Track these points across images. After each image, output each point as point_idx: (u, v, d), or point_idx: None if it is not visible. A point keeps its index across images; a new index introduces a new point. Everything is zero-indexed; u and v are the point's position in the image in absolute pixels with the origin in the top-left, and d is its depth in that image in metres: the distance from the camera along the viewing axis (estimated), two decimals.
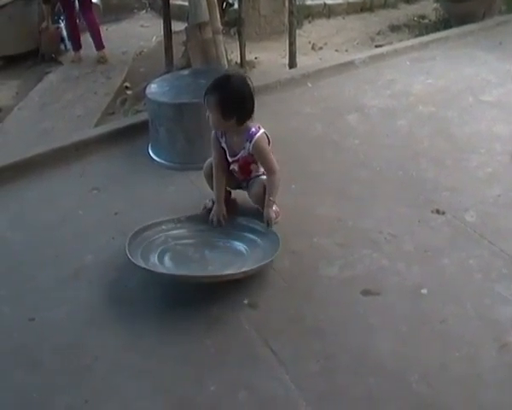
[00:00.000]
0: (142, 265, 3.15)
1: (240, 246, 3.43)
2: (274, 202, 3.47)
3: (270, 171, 3.47)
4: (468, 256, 3.30)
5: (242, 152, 3.49)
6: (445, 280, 3.17)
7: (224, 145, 3.55)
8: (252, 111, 3.44)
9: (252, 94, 3.42)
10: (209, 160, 3.68)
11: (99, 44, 7.89)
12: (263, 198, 3.48)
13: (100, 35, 7.89)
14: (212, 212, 3.57)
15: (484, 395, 2.54)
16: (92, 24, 7.88)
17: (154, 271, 3.18)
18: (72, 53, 8.09)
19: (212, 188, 3.68)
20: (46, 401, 2.69)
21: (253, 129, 3.44)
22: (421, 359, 2.71)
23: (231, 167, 3.58)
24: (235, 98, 3.35)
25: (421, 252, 3.36)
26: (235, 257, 3.35)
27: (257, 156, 3.49)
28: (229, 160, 3.56)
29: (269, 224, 3.42)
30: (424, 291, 3.09)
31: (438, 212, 3.67)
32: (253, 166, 3.58)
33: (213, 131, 3.55)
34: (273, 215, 3.45)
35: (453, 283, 3.15)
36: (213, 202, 3.64)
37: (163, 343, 2.90)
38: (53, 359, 2.88)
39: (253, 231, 3.49)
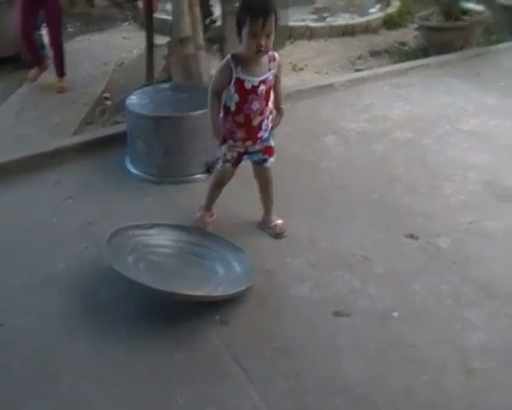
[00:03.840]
0: (129, 275, 3.11)
1: (216, 264, 3.43)
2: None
3: (280, 87, 3.59)
4: (439, 282, 3.33)
5: (269, 74, 3.40)
6: (415, 304, 3.19)
7: (239, 75, 3.34)
8: None
9: None
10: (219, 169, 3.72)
11: (59, 70, 6.74)
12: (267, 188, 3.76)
13: (63, 58, 6.75)
14: (215, 134, 3.56)
15: None
16: (55, 43, 6.70)
17: (140, 283, 3.09)
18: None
19: (208, 202, 3.80)
20: (14, 407, 2.66)
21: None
22: (389, 382, 2.72)
23: (259, 89, 3.38)
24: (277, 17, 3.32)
25: (393, 276, 3.39)
26: (210, 274, 3.36)
27: (278, 75, 3.49)
28: (256, 83, 3.36)
29: (276, 126, 3.63)
30: (395, 314, 3.11)
31: (411, 237, 3.71)
32: (271, 94, 3.50)
33: (227, 60, 3.38)
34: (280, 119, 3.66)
35: (423, 307, 3.18)
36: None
37: (132, 355, 2.88)
38: (21, 365, 2.86)
39: (230, 251, 3.50)
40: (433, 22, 7.44)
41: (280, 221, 3.73)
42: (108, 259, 3.15)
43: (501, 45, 7.50)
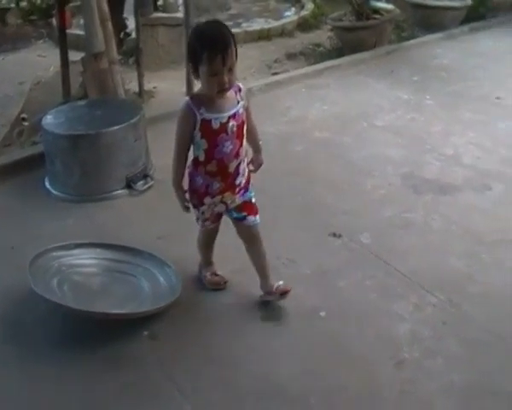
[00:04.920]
0: (52, 298, 3.05)
1: (141, 279, 3.40)
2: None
3: (253, 122, 3.13)
4: (364, 277, 3.40)
5: (238, 106, 2.92)
6: (342, 302, 3.24)
7: (205, 115, 2.84)
8: None
9: None
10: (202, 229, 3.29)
11: None
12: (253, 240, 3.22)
13: None
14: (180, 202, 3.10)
15: None
16: None
17: (62, 305, 3.07)
18: None
19: (205, 258, 3.43)
20: None
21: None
22: (322, 380, 2.76)
23: (229, 125, 2.88)
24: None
25: (319, 275, 3.44)
26: (136, 290, 3.32)
27: (248, 106, 3.02)
28: (224, 119, 2.86)
29: (259, 166, 3.22)
30: (322, 314, 3.15)
31: (334, 235, 3.77)
32: (244, 129, 3.00)
33: (187, 103, 2.88)
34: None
35: (350, 304, 3.23)
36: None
37: (62, 379, 2.83)
38: None
39: (155, 265, 3.47)
40: (346, 22, 7.58)
41: (281, 282, 3.20)
42: (31, 283, 3.07)
43: (412, 41, 7.71)
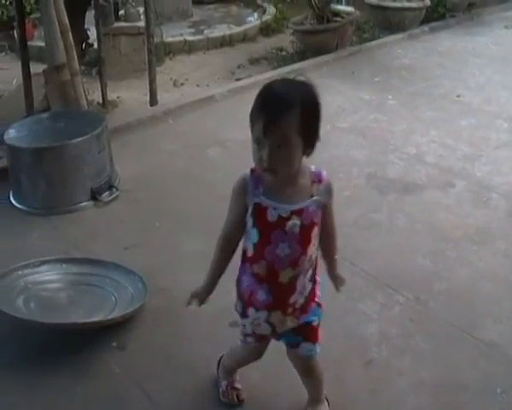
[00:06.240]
0: (16, 314, 3.02)
1: (108, 289, 3.39)
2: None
3: (334, 229, 2.37)
4: None
5: (310, 202, 2.16)
6: None
7: (261, 200, 2.15)
8: None
9: None
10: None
11: None
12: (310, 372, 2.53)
13: None
14: (195, 290, 2.52)
15: None
16: None
17: (28, 320, 3.04)
18: None
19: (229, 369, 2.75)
20: None
21: (312, 166, 2.24)
22: (292, 384, 2.75)
23: (290, 223, 2.14)
24: (319, 112, 2.12)
25: None
26: (103, 301, 3.30)
27: (330, 207, 2.27)
28: (286, 213, 2.14)
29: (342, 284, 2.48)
30: None
31: None
32: (314, 234, 2.22)
33: (244, 176, 2.21)
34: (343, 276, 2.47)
35: None
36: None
37: (31, 393, 2.80)
38: None
39: (121, 275, 3.46)
40: (307, 26, 7.66)
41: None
42: None
43: (373, 42, 7.82)
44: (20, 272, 3.41)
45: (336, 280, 2.47)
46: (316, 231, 2.21)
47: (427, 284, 3.39)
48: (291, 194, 2.15)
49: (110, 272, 3.46)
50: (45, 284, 3.41)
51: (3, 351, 3.07)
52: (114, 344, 3.05)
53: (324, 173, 2.20)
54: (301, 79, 2.16)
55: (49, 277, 3.46)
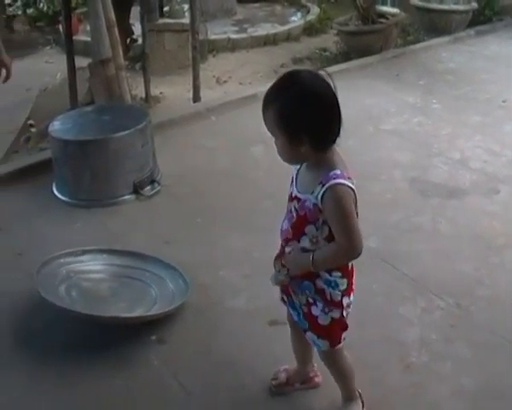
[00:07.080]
0: (60, 304, 3.05)
1: (149, 284, 3.41)
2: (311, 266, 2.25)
3: (344, 242, 2.20)
4: (371, 281, 3.38)
5: (309, 196, 2.19)
6: None
7: (294, 174, 2.32)
8: (336, 130, 2.17)
9: (334, 100, 2.15)
10: None
11: None
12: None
13: None
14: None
15: None
16: None
17: (71, 310, 3.06)
18: None
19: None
20: None
21: (337, 171, 2.13)
22: (330, 385, 2.74)
23: (291, 204, 2.30)
24: (303, 105, 2.08)
25: None
26: (144, 295, 3.33)
27: (328, 214, 2.16)
28: (292, 192, 2.30)
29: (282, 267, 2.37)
30: None
31: None
32: (308, 230, 2.24)
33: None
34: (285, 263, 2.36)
35: (358, 307, 3.20)
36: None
37: (71, 384, 2.83)
38: None
39: (162, 270, 3.48)
40: (352, 27, 7.61)
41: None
42: (39, 289, 3.08)
43: (418, 45, 7.73)
44: (62, 260, 3.45)
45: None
46: (311, 230, 2.23)
47: (468, 289, 3.34)
48: (304, 181, 2.25)
49: (150, 266, 3.49)
50: (87, 274, 3.45)
51: (46, 338, 3.11)
52: (154, 338, 3.07)
53: (333, 181, 2.11)
54: (312, 71, 2.24)
55: (91, 267, 3.50)
